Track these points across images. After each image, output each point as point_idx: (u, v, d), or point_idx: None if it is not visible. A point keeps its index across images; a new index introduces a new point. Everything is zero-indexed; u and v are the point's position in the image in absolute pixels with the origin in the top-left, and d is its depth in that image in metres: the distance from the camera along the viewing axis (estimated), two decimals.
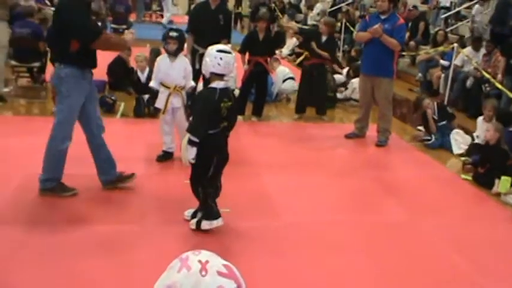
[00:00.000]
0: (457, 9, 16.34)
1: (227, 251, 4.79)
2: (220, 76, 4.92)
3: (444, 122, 9.06)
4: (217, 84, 4.90)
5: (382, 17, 8.58)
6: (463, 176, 7.53)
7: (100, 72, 10.58)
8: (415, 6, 16.77)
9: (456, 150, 8.62)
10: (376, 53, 8.58)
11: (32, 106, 9.50)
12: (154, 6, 26.26)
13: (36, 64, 10.54)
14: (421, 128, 9.57)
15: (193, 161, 4.87)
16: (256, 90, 9.80)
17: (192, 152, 4.83)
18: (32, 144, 6.79)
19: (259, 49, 9.50)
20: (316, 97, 10.14)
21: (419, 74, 13.02)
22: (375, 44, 8.51)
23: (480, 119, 8.80)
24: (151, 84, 7.19)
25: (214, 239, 5.02)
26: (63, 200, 5.62)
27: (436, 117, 9.09)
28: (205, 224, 5.13)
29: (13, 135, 7.66)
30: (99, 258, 4.51)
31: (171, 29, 7.18)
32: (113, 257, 4.56)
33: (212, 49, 4.96)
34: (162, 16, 25.23)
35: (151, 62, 9.75)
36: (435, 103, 9.33)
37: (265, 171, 7.01)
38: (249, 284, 1.37)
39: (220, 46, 5.09)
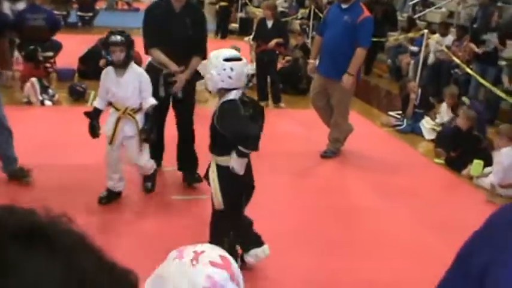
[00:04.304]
0: None
1: None
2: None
3: (421, 111, 9.11)
4: (234, 95, 3.98)
5: (344, 6, 7.06)
6: (436, 160, 7.61)
7: (68, 60, 10.54)
8: None
9: (427, 135, 8.70)
10: (333, 52, 7.03)
11: None
12: None
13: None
14: (392, 113, 9.64)
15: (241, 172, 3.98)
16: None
17: (242, 164, 3.97)
18: None
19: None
20: (270, 85, 10.03)
21: (389, 60, 13.10)
22: (332, 38, 7.05)
23: (444, 104, 8.93)
24: (95, 103, 5.47)
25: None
26: None
27: (416, 103, 9.14)
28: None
29: None
30: None
31: (112, 32, 5.29)
32: None
33: (217, 58, 3.99)
34: (128, 4, 25.00)
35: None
36: (419, 89, 9.35)
37: None
38: None
39: (226, 52, 4.14)
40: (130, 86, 5.26)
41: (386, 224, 5.49)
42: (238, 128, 3.86)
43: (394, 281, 4.51)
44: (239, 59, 4.03)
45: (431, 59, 11.07)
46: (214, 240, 4.06)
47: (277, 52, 10.04)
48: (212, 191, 4.04)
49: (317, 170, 6.92)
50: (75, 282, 0.44)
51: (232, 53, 4.14)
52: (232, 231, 4.15)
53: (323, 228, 5.27)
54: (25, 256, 0.41)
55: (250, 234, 4.31)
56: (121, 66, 5.22)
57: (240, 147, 3.83)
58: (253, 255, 4.33)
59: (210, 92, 4.41)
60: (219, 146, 4.01)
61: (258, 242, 4.33)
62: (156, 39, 5.75)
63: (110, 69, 5.31)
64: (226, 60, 3.96)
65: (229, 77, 3.92)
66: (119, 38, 5.16)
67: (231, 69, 3.92)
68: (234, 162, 3.90)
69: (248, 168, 4.08)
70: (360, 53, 6.94)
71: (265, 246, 4.34)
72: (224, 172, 3.97)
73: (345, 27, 6.91)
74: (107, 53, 5.21)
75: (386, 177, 6.77)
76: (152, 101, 5.35)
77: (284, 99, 10.05)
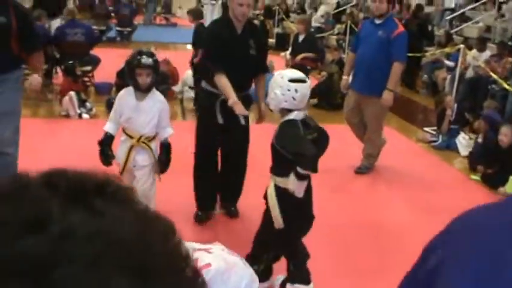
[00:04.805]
0: (461, 10, 16.35)
1: None
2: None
3: (456, 127, 9.02)
4: (296, 115, 3.94)
5: (377, 21, 6.98)
6: (472, 176, 7.53)
7: (106, 75, 10.71)
8: (419, 6, 16.77)
9: (463, 152, 8.59)
10: (368, 67, 6.93)
11: (39, 108, 9.52)
12: (159, 9, 26.32)
13: (44, 67, 10.54)
14: (427, 129, 9.57)
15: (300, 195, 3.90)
16: None
17: (301, 187, 3.88)
18: (36, 145, 6.80)
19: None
20: None
21: (425, 76, 13.03)
22: (366, 54, 6.96)
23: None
24: (106, 128, 4.92)
25: None
26: None
27: (451, 119, 9.05)
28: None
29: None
30: None
31: (141, 53, 4.80)
32: None
33: (282, 78, 3.96)
34: (166, 19, 25.32)
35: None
36: (455, 105, 9.26)
37: None
38: None
39: (291, 73, 4.12)
40: (150, 113, 4.75)
41: (421, 242, 5.42)
42: (295, 147, 3.80)
43: None
44: (304, 81, 4.01)
45: (469, 73, 10.97)
46: (256, 252, 4.12)
47: (308, 67, 9.92)
48: (271, 211, 3.94)
49: (351, 186, 6.89)
50: (142, 225, 0.50)
51: (298, 74, 4.09)
52: (274, 250, 4.15)
53: (356, 246, 5.24)
54: (107, 207, 0.47)
55: (303, 267, 4.22)
56: (145, 90, 4.73)
57: (298, 168, 3.75)
58: None
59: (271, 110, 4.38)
60: (278, 166, 3.96)
61: (306, 279, 4.23)
62: (221, 63, 5.09)
63: (129, 90, 4.80)
64: (292, 81, 3.94)
65: (293, 98, 3.90)
66: (150, 60, 4.70)
67: (296, 90, 3.90)
68: (292, 184, 3.83)
69: (308, 197, 4.02)
70: (398, 68, 6.85)
71: (311, 286, 4.23)
72: (283, 193, 3.91)
73: (380, 42, 6.83)
74: (130, 74, 4.72)
75: (421, 193, 6.70)
76: (169, 131, 4.87)
77: (319, 114, 10.04)
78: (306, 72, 9.80)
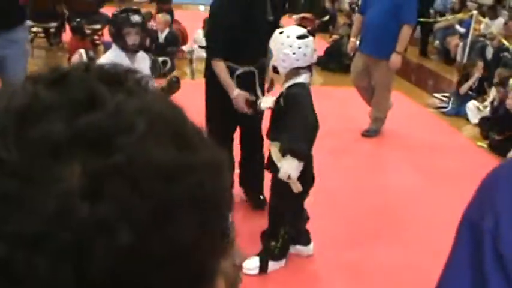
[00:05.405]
0: None
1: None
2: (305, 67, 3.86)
3: (474, 94, 8.94)
4: (304, 78, 3.85)
5: None
6: (478, 143, 7.50)
7: None
8: None
9: (473, 119, 8.52)
10: (377, 30, 6.82)
11: (48, 66, 9.51)
12: None
13: (53, 25, 10.54)
14: (437, 95, 9.50)
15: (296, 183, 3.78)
16: None
17: (298, 168, 3.74)
18: None
19: None
20: None
21: (437, 42, 12.92)
22: (375, 17, 6.83)
23: (493, 88, 8.73)
24: None
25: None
26: None
27: (474, 86, 8.95)
28: (274, 265, 4.17)
29: None
30: None
31: (127, 10, 4.50)
32: None
33: (289, 37, 3.81)
34: None
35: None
36: (480, 73, 9.15)
37: None
38: None
39: (296, 29, 3.95)
40: (143, 66, 4.39)
41: (425, 205, 5.45)
42: (306, 119, 3.72)
43: (435, 264, 4.47)
44: (308, 36, 3.91)
45: (488, 52, 10.76)
46: (272, 228, 4.06)
47: (307, 28, 9.88)
48: (283, 178, 3.75)
49: (357, 149, 6.88)
50: (170, 103, 0.57)
51: (301, 30, 3.97)
52: (291, 221, 4.05)
53: (359, 209, 5.26)
54: (110, 94, 0.51)
55: (302, 229, 4.27)
56: (134, 52, 4.38)
57: (297, 144, 3.67)
58: (297, 250, 4.31)
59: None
60: (280, 130, 3.81)
61: (306, 240, 4.31)
62: (224, 46, 4.56)
63: (117, 52, 4.34)
64: (299, 38, 3.81)
65: (304, 55, 3.80)
66: (138, 18, 4.38)
67: (306, 46, 3.80)
68: (290, 166, 3.69)
69: (309, 158, 3.90)
70: (407, 31, 6.82)
71: (311, 247, 4.33)
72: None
73: (389, 4, 6.71)
74: (117, 33, 4.31)
75: (427, 158, 6.70)
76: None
77: (326, 76, 10.03)
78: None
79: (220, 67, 4.58)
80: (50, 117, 0.48)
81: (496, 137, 7.31)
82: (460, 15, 12.23)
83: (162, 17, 10.01)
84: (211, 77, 4.68)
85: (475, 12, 10.83)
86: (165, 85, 4.81)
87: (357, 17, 7.68)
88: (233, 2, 4.58)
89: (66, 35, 10.37)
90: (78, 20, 9.62)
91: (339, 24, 13.09)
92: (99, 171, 0.47)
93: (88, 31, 9.73)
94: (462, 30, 11.59)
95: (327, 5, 15.34)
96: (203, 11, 10.36)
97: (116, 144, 0.48)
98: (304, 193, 3.95)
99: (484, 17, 11.42)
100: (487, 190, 0.95)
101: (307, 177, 3.91)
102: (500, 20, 11.21)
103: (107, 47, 10.52)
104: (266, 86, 4.63)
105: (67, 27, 10.48)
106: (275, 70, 3.94)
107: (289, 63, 3.80)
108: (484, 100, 8.89)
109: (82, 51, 9.05)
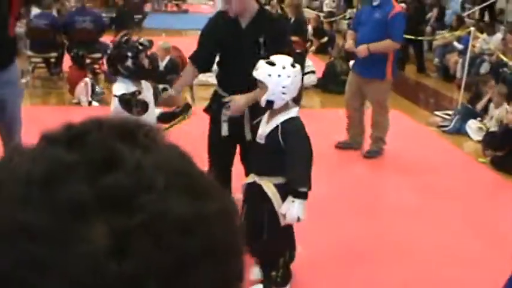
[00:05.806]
0: None
1: None
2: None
3: (481, 112, 8.89)
4: (296, 112, 3.71)
5: (374, 3, 6.95)
6: (480, 159, 7.49)
7: None
8: None
9: (474, 136, 8.48)
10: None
11: (50, 96, 9.59)
12: None
13: (54, 55, 10.60)
14: (438, 113, 9.50)
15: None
16: None
17: (302, 209, 3.60)
18: None
19: None
20: None
21: (436, 59, 12.97)
22: (365, 37, 6.92)
23: (491, 105, 8.73)
24: None
25: None
26: None
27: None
28: None
29: (30, 125, 7.74)
30: None
31: (126, 35, 4.38)
32: None
33: (285, 67, 3.58)
34: (177, 6, 25.25)
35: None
36: (493, 91, 9.08)
37: None
38: None
39: (284, 59, 3.68)
40: (151, 103, 4.17)
41: (424, 224, 5.43)
42: (310, 156, 3.61)
43: (434, 284, 4.46)
44: (295, 66, 3.70)
45: (484, 67, 10.77)
46: (272, 261, 3.92)
47: (297, 50, 9.86)
48: (291, 222, 3.69)
49: (356, 169, 6.88)
50: (182, 155, 0.59)
51: (288, 57, 3.75)
52: (288, 249, 3.94)
53: (358, 229, 5.24)
54: (128, 152, 0.53)
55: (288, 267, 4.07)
56: (138, 79, 4.16)
57: (305, 186, 3.56)
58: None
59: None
60: (272, 165, 3.68)
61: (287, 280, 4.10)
62: (202, 54, 4.61)
63: (128, 84, 4.06)
64: (294, 66, 3.65)
65: (298, 83, 3.70)
66: (146, 42, 4.22)
67: (299, 73, 3.70)
68: (298, 210, 3.57)
69: None
70: (388, 43, 6.84)
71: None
72: (283, 189, 3.67)
73: (378, 24, 6.84)
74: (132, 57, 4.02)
75: (427, 176, 6.68)
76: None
77: (326, 97, 10.08)
78: (297, 55, 9.78)
79: (188, 72, 4.84)
80: (73, 180, 0.51)
81: (498, 153, 7.29)
82: (458, 32, 12.27)
83: (162, 45, 10.06)
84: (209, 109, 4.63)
85: (472, 28, 10.87)
86: (179, 109, 4.56)
87: (349, 33, 7.75)
88: (210, 33, 4.62)
89: (66, 65, 10.44)
90: (75, 50, 9.66)
91: (337, 45, 13.17)
92: (124, 230, 0.49)
93: (88, 60, 9.80)
94: (460, 46, 11.63)
95: (326, 26, 15.45)
96: None
97: (138, 203, 0.50)
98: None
99: (481, 33, 11.47)
100: None
101: None
102: (498, 36, 11.25)
103: (108, 76, 10.63)
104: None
105: (67, 56, 10.55)
106: (269, 105, 3.67)
107: (290, 94, 3.64)
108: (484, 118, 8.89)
109: (88, 80, 9.07)
